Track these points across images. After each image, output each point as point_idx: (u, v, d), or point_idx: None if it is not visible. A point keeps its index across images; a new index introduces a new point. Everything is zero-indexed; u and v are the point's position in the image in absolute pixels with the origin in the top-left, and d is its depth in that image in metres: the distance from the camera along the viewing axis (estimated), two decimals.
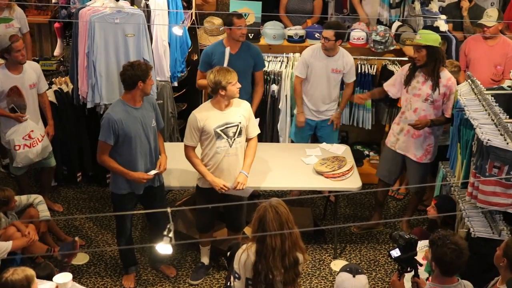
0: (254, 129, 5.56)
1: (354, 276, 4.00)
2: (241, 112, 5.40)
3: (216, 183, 5.38)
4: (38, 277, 4.81)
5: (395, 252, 4.10)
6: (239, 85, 5.33)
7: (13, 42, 5.99)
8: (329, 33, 6.33)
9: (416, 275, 4.15)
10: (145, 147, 5.36)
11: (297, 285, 4.26)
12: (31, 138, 6.16)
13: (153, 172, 5.40)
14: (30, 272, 4.10)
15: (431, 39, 5.89)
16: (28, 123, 6.15)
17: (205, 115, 5.35)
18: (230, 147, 5.36)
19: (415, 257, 4.11)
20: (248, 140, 5.55)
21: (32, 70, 6.23)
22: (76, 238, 6.08)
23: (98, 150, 5.34)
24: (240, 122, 5.37)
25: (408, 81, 6.06)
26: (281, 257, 4.10)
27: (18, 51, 6.01)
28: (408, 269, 4.14)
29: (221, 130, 5.32)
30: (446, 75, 5.97)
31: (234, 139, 5.36)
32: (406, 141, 6.16)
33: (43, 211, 5.77)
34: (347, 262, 6.12)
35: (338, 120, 6.76)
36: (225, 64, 6.14)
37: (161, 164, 5.47)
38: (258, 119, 6.63)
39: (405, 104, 6.14)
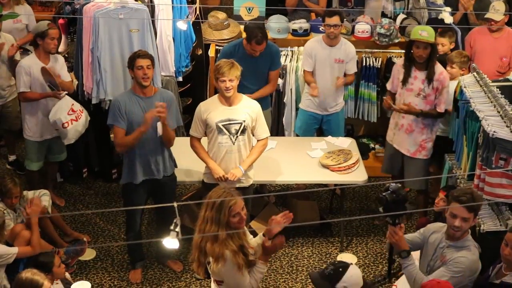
0: (263, 132, 5.49)
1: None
2: (248, 112, 5.37)
3: (216, 171, 5.39)
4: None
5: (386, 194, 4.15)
6: (230, 85, 5.20)
7: (50, 29, 6.05)
8: (335, 18, 6.30)
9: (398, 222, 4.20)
10: (149, 135, 5.30)
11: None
12: (74, 111, 6.14)
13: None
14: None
15: (434, 34, 5.83)
16: (66, 98, 6.14)
17: (210, 108, 5.36)
18: (233, 144, 5.35)
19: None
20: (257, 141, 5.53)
21: (57, 62, 6.25)
22: (85, 239, 6.09)
23: (114, 139, 5.35)
24: (244, 121, 5.33)
25: (405, 79, 5.92)
26: None
27: (52, 39, 6.07)
28: (397, 221, 4.19)
29: (223, 125, 5.31)
30: (438, 69, 5.87)
31: (237, 136, 5.34)
32: (401, 135, 6.08)
33: (45, 201, 5.76)
34: (353, 255, 6.13)
35: (341, 84, 6.57)
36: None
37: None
38: None
39: (398, 98, 6.04)
